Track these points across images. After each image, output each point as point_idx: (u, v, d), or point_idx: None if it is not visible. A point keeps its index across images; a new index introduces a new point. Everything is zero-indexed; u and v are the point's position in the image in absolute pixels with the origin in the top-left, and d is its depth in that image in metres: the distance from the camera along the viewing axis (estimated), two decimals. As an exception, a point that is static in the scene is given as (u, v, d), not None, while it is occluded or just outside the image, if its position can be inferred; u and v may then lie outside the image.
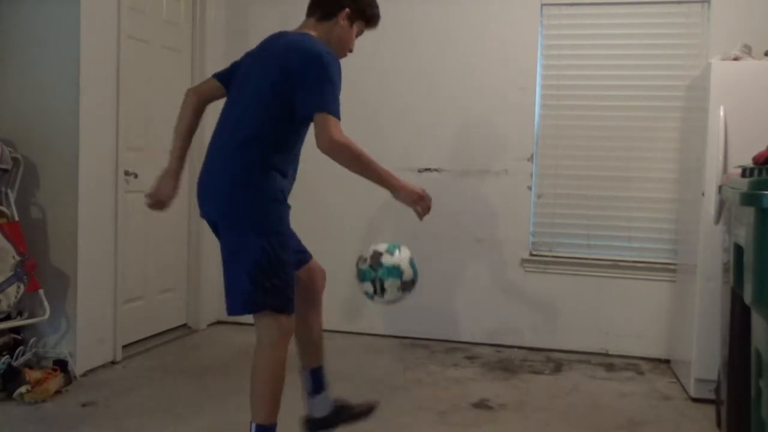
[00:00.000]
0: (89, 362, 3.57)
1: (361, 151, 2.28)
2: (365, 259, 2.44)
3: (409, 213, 4.43)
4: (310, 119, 2.26)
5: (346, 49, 2.53)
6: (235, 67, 2.51)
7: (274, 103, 2.30)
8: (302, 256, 2.57)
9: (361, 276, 2.44)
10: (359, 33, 2.56)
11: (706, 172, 3.30)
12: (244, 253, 2.29)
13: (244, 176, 2.30)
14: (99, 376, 3.54)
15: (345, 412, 2.71)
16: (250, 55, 2.47)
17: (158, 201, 2.47)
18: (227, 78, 2.50)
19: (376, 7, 2.57)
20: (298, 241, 2.57)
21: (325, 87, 2.26)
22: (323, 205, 4.50)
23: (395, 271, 2.40)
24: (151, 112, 4.11)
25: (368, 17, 2.53)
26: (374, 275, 2.40)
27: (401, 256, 2.43)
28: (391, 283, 2.40)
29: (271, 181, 2.31)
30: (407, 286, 2.43)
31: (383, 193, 4.55)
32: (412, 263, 2.44)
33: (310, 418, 2.68)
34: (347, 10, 2.46)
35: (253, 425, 2.35)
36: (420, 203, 2.45)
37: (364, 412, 2.76)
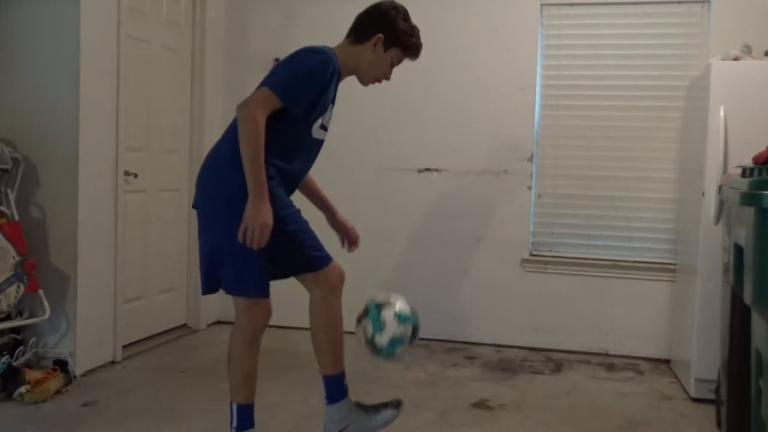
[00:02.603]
0: (89, 362, 3.57)
1: (257, 137, 2.19)
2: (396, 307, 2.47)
3: (409, 215, 4.47)
4: None
5: (378, 75, 2.49)
6: None
7: None
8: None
9: (408, 319, 2.47)
10: (397, 62, 2.49)
11: (706, 172, 3.30)
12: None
13: (213, 164, 2.39)
14: (99, 376, 3.54)
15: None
16: None
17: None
18: None
19: (415, 36, 2.47)
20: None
21: (283, 70, 2.31)
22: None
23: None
24: (151, 112, 4.11)
25: (405, 45, 2.46)
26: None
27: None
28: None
29: (236, 171, 2.25)
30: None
31: (383, 196, 4.56)
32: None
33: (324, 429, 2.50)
34: (380, 35, 2.41)
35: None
36: (256, 227, 2.20)
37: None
